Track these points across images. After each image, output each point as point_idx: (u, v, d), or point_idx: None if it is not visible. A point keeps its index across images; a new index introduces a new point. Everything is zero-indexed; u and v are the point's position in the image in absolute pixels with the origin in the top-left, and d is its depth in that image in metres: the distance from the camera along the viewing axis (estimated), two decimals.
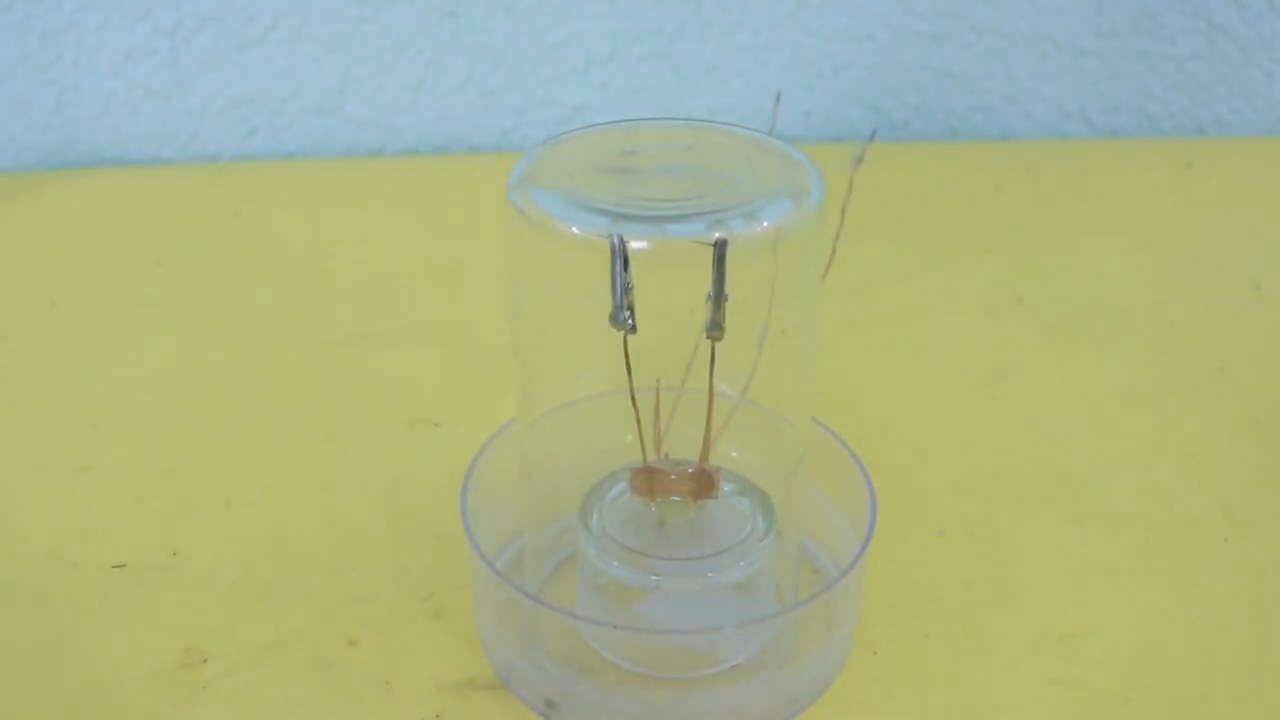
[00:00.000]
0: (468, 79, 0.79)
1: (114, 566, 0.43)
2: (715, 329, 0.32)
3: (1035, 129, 0.84)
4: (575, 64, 0.79)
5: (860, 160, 0.38)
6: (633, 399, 0.35)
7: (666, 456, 0.37)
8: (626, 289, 0.31)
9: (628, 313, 0.32)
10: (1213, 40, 0.81)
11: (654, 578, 0.36)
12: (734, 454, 0.39)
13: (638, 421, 0.36)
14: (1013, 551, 0.44)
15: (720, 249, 0.31)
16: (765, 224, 0.32)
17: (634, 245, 0.31)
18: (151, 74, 0.78)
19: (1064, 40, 0.81)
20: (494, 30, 0.78)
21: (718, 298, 0.32)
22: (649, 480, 0.37)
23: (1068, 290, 0.63)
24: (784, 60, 0.80)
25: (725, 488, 0.38)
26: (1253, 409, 0.53)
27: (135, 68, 0.77)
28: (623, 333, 0.33)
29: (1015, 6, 0.79)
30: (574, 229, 0.32)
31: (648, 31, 0.79)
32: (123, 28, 0.76)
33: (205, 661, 0.39)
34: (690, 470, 0.37)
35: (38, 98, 0.78)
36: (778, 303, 0.35)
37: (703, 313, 0.32)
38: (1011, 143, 0.83)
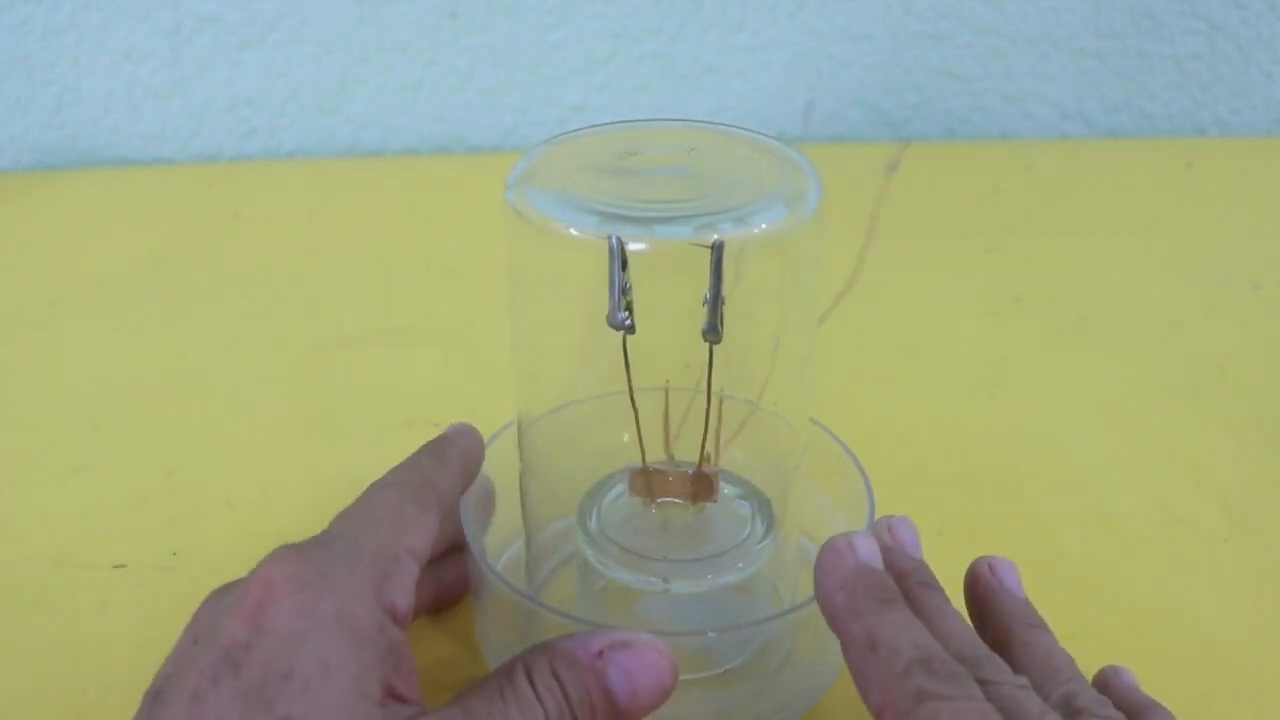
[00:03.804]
0: (468, 79, 0.79)
1: (114, 567, 0.43)
2: (713, 332, 0.32)
3: (1035, 129, 0.84)
4: (575, 64, 0.79)
5: (893, 169, 0.38)
6: (632, 399, 0.35)
7: (672, 458, 0.37)
8: (624, 289, 0.31)
9: (626, 313, 0.32)
10: (1213, 40, 0.81)
11: (662, 581, 0.36)
12: (733, 454, 0.39)
13: (636, 422, 0.36)
14: (1013, 551, 0.44)
15: (717, 252, 0.31)
16: (763, 226, 0.32)
17: (633, 247, 0.31)
18: (151, 74, 0.78)
19: (1064, 40, 0.81)
20: (494, 30, 0.78)
21: (714, 301, 0.32)
22: (648, 481, 0.37)
23: (1068, 290, 0.63)
24: (784, 60, 0.80)
25: (724, 489, 0.38)
26: (1253, 409, 0.53)
27: (135, 68, 0.77)
28: (621, 333, 0.33)
29: (1015, 6, 0.79)
30: (570, 230, 0.32)
31: (647, 31, 0.79)
32: (123, 28, 0.76)
33: None
34: (689, 472, 0.37)
35: (38, 98, 0.78)
36: (776, 305, 0.35)
37: (701, 315, 0.32)
38: (1011, 143, 0.83)
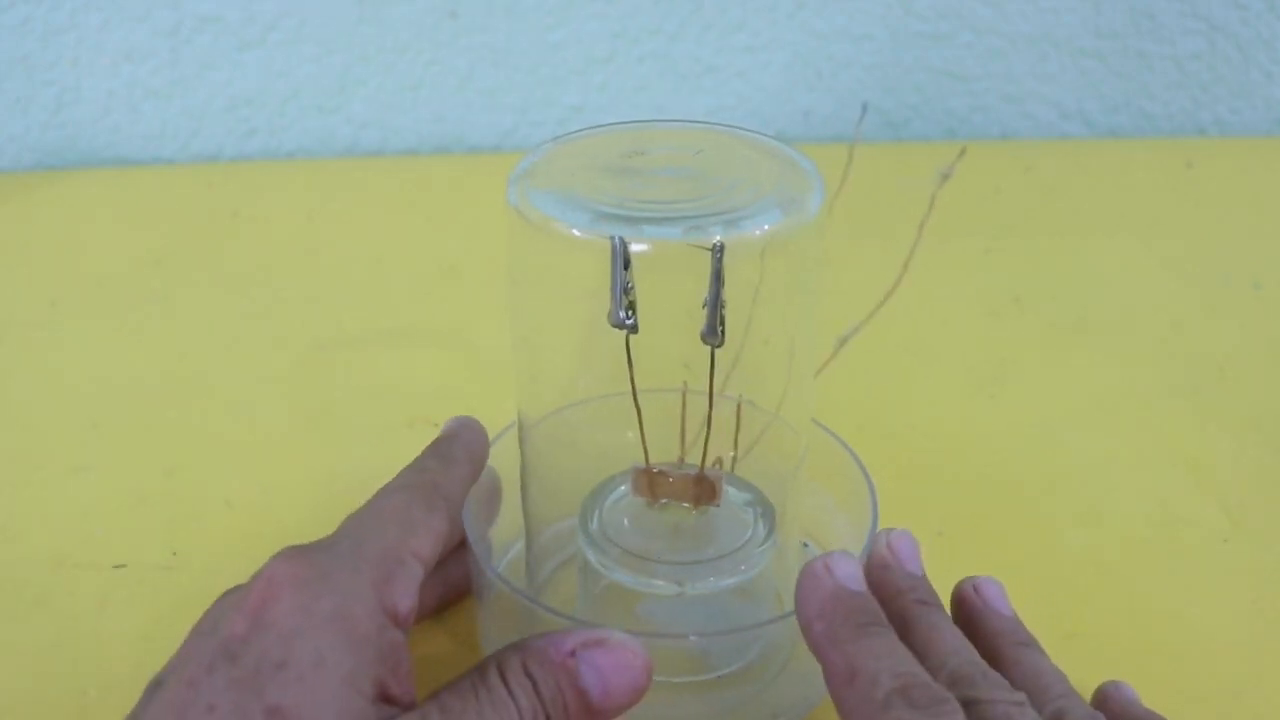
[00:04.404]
0: (468, 79, 0.79)
1: (114, 567, 0.43)
2: (712, 335, 0.32)
3: (1035, 129, 0.84)
4: (575, 64, 0.79)
5: (946, 177, 0.38)
6: (635, 400, 0.35)
7: (682, 461, 0.37)
8: (627, 289, 0.31)
9: (628, 313, 0.32)
10: (1213, 40, 0.81)
11: (675, 584, 0.36)
12: (734, 456, 0.39)
13: (640, 423, 0.36)
14: (1013, 551, 0.44)
15: (717, 254, 0.31)
16: (765, 228, 0.32)
17: (635, 247, 0.31)
18: (151, 74, 0.78)
19: (1064, 40, 0.81)
20: (494, 30, 0.78)
21: (714, 303, 0.32)
22: (650, 482, 0.37)
23: (1068, 290, 0.63)
24: (784, 60, 0.80)
25: (726, 492, 0.38)
26: (1253, 409, 0.53)
27: (135, 68, 0.77)
28: (624, 333, 0.33)
29: (1015, 6, 0.79)
30: (568, 229, 0.32)
31: (647, 31, 0.79)
32: (123, 28, 0.76)
33: None
34: (692, 475, 0.37)
35: (38, 98, 0.78)
36: (778, 307, 0.35)
37: (702, 316, 0.32)
38: (1011, 143, 0.83)
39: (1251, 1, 0.79)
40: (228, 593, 0.31)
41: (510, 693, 0.28)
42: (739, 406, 0.36)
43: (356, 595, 0.28)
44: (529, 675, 0.29)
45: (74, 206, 0.73)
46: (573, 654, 0.29)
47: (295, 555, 0.29)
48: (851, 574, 0.31)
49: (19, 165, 0.80)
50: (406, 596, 0.29)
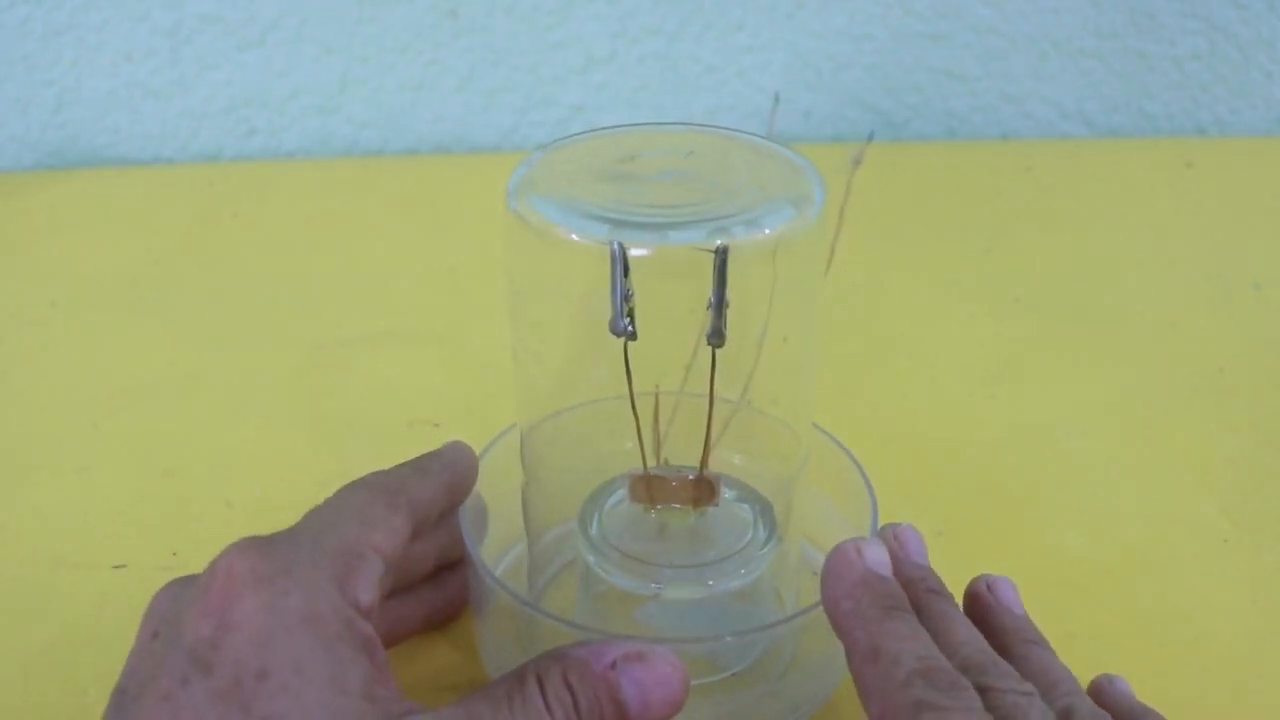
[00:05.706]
0: (468, 79, 0.79)
1: (114, 567, 0.43)
2: (716, 336, 0.32)
3: (1035, 129, 0.84)
4: (575, 64, 0.79)
5: (858, 163, 0.38)
6: (633, 405, 0.35)
7: (666, 462, 0.37)
8: (626, 295, 0.31)
9: (628, 319, 0.32)
10: (1213, 40, 0.81)
11: (653, 585, 0.36)
12: (735, 460, 0.39)
13: (638, 428, 0.36)
14: (1013, 551, 0.44)
15: (721, 256, 0.31)
16: (767, 231, 0.32)
17: (634, 252, 0.31)
18: (151, 74, 0.78)
19: (1063, 40, 0.81)
20: (494, 30, 0.78)
21: (719, 305, 0.32)
22: (648, 487, 0.37)
23: (1068, 290, 0.63)
24: (784, 60, 0.80)
25: (726, 494, 0.38)
26: (1253, 409, 0.53)
27: (135, 68, 0.77)
28: (623, 339, 0.33)
29: (1015, 6, 0.79)
30: (574, 236, 0.32)
31: (648, 31, 0.79)
32: (123, 28, 0.76)
33: None
34: (690, 477, 0.37)
35: (38, 98, 0.78)
36: (779, 309, 0.35)
37: (703, 319, 0.32)
38: (1011, 143, 0.83)
39: (1251, 1, 0.79)
40: (177, 585, 0.30)
41: (547, 705, 0.28)
42: (710, 401, 0.36)
43: (320, 591, 0.28)
44: (568, 687, 0.28)
45: (74, 206, 0.73)
46: (613, 666, 0.29)
47: (251, 548, 0.28)
48: (881, 560, 0.31)
49: (19, 165, 0.80)
50: (368, 591, 0.29)
